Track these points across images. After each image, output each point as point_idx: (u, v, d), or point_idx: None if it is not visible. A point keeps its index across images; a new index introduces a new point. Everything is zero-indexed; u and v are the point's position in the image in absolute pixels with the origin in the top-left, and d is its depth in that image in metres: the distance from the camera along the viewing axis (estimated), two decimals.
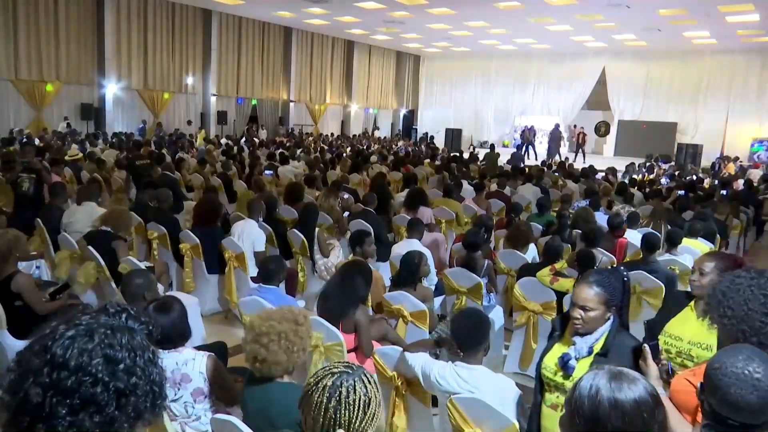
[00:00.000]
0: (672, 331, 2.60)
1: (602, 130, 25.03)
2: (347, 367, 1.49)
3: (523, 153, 21.15)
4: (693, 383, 1.84)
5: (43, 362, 0.96)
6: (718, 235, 6.55)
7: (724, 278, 1.98)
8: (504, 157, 17.86)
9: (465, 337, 2.64)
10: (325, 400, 1.40)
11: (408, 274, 4.05)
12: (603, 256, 4.92)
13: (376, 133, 26.86)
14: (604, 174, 12.67)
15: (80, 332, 0.99)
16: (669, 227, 6.00)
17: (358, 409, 1.42)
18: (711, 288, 2.01)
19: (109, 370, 0.97)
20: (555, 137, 22.35)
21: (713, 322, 1.94)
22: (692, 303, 2.63)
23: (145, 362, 1.02)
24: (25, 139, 13.69)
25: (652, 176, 15.72)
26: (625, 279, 2.35)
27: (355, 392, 1.42)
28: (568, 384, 2.17)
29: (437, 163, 13.85)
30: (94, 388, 0.96)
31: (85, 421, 0.95)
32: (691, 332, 2.52)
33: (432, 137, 25.33)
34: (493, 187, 9.44)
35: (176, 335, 2.64)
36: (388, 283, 4.78)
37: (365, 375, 1.48)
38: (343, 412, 1.40)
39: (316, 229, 5.65)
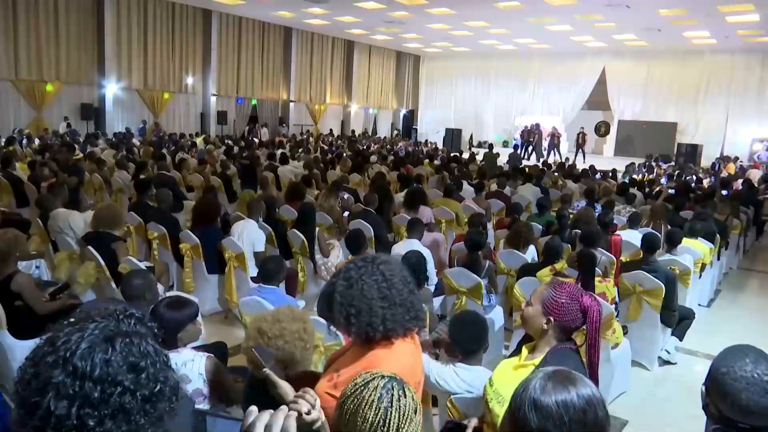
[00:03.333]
0: (494, 376, 2.25)
1: (602, 130, 25.03)
2: (380, 374, 1.46)
3: (522, 153, 21.15)
4: (334, 395, 1.68)
5: (65, 374, 0.94)
6: (717, 235, 6.56)
7: (336, 279, 1.82)
8: (503, 158, 17.88)
9: (464, 343, 2.66)
10: (376, 401, 1.36)
11: (412, 276, 4.04)
12: (603, 256, 4.91)
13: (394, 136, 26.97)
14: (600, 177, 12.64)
15: (98, 341, 0.98)
16: (669, 227, 6.01)
17: (410, 412, 1.39)
18: (326, 293, 1.82)
19: (133, 378, 0.98)
20: (538, 139, 22.59)
21: (340, 327, 1.80)
22: (525, 348, 2.22)
23: (161, 367, 1.03)
24: (24, 139, 13.70)
25: (652, 176, 15.71)
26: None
27: (404, 395, 1.40)
28: None
29: (437, 162, 13.85)
30: (123, 397, 0.96)
31: (113, 429, 0.96)
32: (501, 381, 2.16)
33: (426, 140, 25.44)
34: (493, 187, 9.43)
35: (175, 336, 2.64)
36: None
37: (402, 381, 1.46)
38: (394, 412, 1.37)
39: (317, 229, 5.65)
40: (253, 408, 1.06)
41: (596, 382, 2.08)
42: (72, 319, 1.01)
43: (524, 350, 2.20)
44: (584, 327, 2.10)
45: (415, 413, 1.41)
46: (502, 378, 2.15)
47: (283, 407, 1.07)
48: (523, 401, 1.30)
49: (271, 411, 1.05)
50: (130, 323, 1.04)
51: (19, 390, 0.95)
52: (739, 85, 21.18)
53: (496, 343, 4.51)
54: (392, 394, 1.37)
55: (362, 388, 1.39)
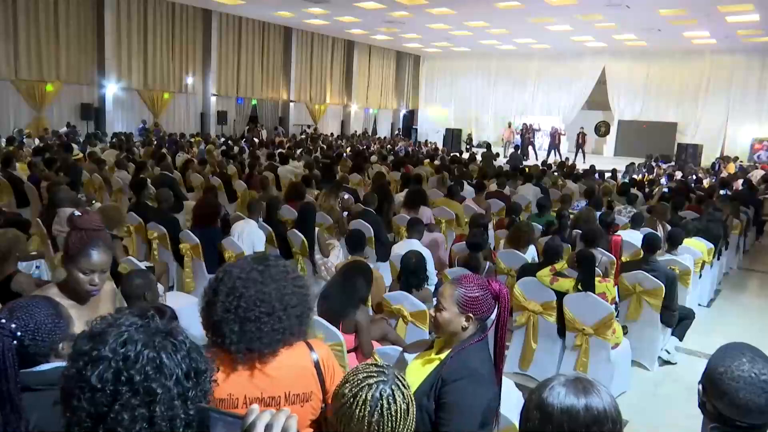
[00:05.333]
0: (406, 374, 2.14)
1: (602, 130, 25.05)
2: (379, 372, 1.45)
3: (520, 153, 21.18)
4: None
5: (165, 378, 0.99)
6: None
7: (226, 280, 1.73)
8: (502, 158, 17.88)
9: None
10: (367, 415, 1.38)
11: (412, 277, 4.05)
12: (603, 256, 4.92)
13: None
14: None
15: (162, 342, 1.02)
16: (669, 227, 6.01)
17: (400, 419, 1.41)
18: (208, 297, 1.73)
19: (204, 360, 1.07)
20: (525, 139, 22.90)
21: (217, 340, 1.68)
22: (437, 343, 2.16)
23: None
24: (24, 140, 13.70)
25: (652, 176, 15.71)
26: None
27: (395, 402, 1.40)
28: None
29: (437, 163, 13.85)
30: (205, 380, 1.05)
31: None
32: (411, 377, 2.07)
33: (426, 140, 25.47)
34: (493, 187, 9.43)
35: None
36: (388, 283, 4.77)
37: (398, 378, 1.46)
38: (386, 423, 1.39)
39: (316, 229, 5.65)
40: (255, 407, 1.07)
41: (502, 361, 2.11)
42: (104, 337, 1.01)
43: (436, 345, 2.16)
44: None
45: (408, 412, 1.42)
46: (412, 375, 2.09)
47: (285, 408, 1.08)
48: (532, 399, 1.30)
49: (273, 411, 1.06)
50: (155, 318, 1.07)
51: (110, 408, 0.96)
52: (739, 85, 21.19)
53: None
54: (381, 404, 1.38)
55: (351, 400, 1.40)
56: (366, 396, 1.39)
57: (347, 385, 1.42)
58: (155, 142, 15.12)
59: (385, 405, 1.38)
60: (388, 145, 21.03)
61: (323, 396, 1.79)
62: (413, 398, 1.47)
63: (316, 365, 1.80)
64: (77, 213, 2.24)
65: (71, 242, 2.20)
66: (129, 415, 0.94)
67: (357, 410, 1.38)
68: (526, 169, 12.41)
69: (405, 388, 1.44)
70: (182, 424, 0.98)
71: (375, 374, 1.43)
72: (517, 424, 2.28)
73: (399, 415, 1.40)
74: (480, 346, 2.06)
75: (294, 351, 1.77)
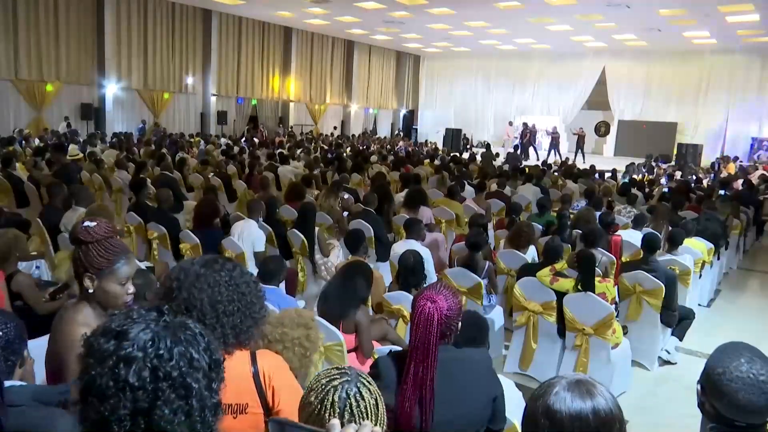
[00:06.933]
0: None
1: (602, 130, 25.05)
2: (341, 373, 1.44)
3: (520, 153, 21.17)
4: None
5: (194, 372, 1.02)
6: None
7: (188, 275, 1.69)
8: (502, 158, 17.88)
9: (464, 344, 2.64)
10: (338, 417, 1.37)
11: (411, 276, 4.05)
12: (603, 256, 4.92)
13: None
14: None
15: (182, 335, 1.05)
16: (670, 227, 6.01)
17: (371, 414, 1.40)
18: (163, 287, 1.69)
19: (216, 358, 1.11)
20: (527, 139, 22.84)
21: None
22: None
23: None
24: (23, 140, 13.70)
25: (652, 176, 15.70)
26: None
27: (363, 398, 1.40)
28: None
29: (437, 163, 13.85)
30: (222, 371, 1.11)
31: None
32: None
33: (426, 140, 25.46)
34: (493, 187, 9.43)
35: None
36: (388, 283, 4.78)
37: (361, 376, 1.46)
38: (357, 421, 1.37)
39: (316, 229, 5.65)
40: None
41: (419, 391, 1.90)
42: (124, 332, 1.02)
43: None
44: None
45: (377, 406, 1.42)
46: None
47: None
48: (538, 406, 1.27)
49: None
50: (169, 313, 1.09)
51: (153, 405, 0.98)
52: (739, 85, 21.17)
53: (496, 343, 4.52)
54: (349, 403, 1.38)
55: (318, 407, 1.38)
56: (333, 399, 1.38)
57: (312, 393, 1.41)
58: (154, 140, 15.12)
59: (354, 403, 1.38)
60: (388, 145, 21.04)
61: (267, 411, 1.70)
62: (380, 393, 1.46)
63: (255, 376, 1.71)
64: (90, 224, 1.99)
65: (97, 256, 1.96)
66: (170, 409, 0.98)
67: (326, 414, 1.37)
68: (526, 169, 12.40)
69: (370, 384, 1.44)
70: (211, 413, 1.04)
71: (337, 376, 1.42)
72: (517, 424, 2.29)
73: (369, 410, 1.40)
74: (398, 354, 2.06)
75: (231, 360, 1.69)
